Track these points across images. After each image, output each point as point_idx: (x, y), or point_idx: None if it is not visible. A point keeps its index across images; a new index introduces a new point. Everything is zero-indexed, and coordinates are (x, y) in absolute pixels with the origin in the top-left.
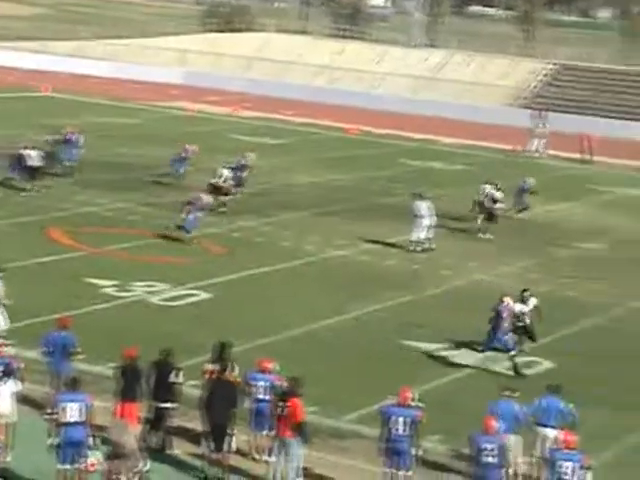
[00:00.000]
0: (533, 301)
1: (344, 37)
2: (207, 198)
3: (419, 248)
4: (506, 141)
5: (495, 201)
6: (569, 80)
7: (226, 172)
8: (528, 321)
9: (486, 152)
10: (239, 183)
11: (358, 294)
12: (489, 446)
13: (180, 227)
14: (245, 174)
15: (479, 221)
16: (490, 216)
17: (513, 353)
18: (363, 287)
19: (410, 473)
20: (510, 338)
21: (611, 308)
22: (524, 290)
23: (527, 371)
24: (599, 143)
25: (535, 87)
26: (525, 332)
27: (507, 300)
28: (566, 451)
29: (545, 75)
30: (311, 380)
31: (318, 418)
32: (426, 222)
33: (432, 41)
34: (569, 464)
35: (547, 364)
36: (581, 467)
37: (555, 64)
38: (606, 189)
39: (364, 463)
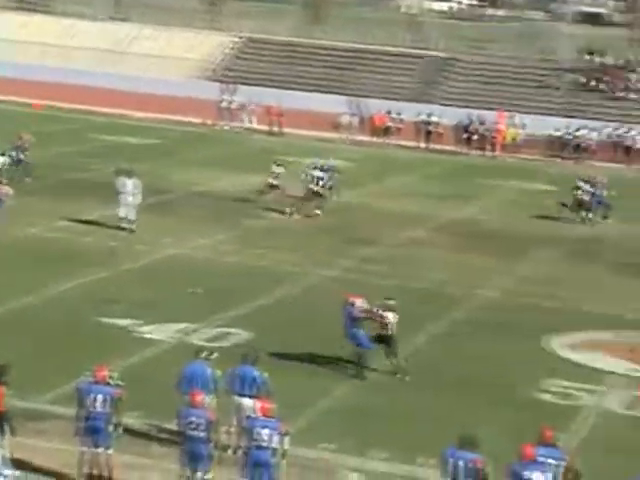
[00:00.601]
0: (391, 316)
1: (28, 10)
2: (6, 188)
3: (125, 225)
4: (197, 114)
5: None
6: (254, 53)
7: (0, 160)
8: (391, 332)
9: (178, 126)
10: (17, 165)
11: (53, 272)
12: (196, 420)
13: None
14: (23, 156)
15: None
16: (315, 194)
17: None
18: (58, 265)
19: (110, 451)
20: (364, 336)
21: (303, 277)
22: (388, 298)
23: (224, 343)
24: (286, 115)
25: (222, 60)
26: (388, 342)
27: (357, 301)
28: (262, 419)
29: (232, 48)
30: (3, 362)
31: (13, 401)
32: (130, 199)
33: (119, 14)
34: (266, 431)
35: (245, 334)
36: (278, 433)
37: (241, 37)
38: (293, 160)
39: (61, 443)
